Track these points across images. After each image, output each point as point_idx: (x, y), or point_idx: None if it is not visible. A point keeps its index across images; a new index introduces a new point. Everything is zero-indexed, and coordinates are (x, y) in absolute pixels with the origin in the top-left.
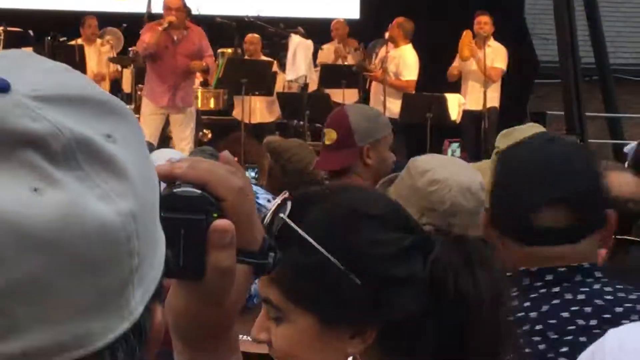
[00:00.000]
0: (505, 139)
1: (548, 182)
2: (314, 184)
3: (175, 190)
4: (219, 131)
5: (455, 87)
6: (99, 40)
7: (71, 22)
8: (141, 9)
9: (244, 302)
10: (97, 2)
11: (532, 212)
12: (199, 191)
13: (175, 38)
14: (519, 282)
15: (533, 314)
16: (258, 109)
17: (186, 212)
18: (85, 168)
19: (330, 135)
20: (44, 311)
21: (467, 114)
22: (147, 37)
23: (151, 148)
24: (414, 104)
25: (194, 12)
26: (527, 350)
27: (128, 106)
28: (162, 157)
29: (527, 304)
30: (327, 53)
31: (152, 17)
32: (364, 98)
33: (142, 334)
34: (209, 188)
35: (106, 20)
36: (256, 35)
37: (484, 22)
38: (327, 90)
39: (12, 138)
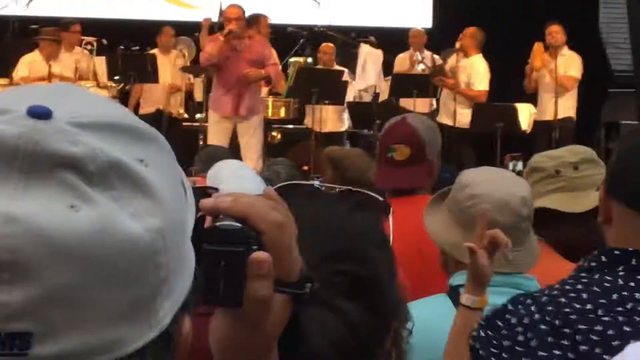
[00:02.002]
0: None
1: None
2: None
3: (217, 224)
4: (289, 140)
5: (526, 97)
6: (174, 52)
7: (146, 31)
8: (213, 17)
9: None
10: (170, 12)
11: None
12: (239, 225)
13: (237, 47)
14: (626, 261)
15: (637, 295)
16: (330, 118)
17: (227, 245)
18: (118, 188)
19: (402, 152)
20: (78, 318)
21: (538, 124)
22: (209, 47)
23: (223, 153)
24: (484, 113)
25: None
26: (626, 328)
27: (199, 115)
28: (225, 168)
29: (632, 283)
30: (403, 62)
31: (222, 26)
32: (436, 109)
33: (170, 342)
34: (249, 222)
35: (178, 29)
36: (330, 45)
37: (555, 31)
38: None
39: (53, 160)
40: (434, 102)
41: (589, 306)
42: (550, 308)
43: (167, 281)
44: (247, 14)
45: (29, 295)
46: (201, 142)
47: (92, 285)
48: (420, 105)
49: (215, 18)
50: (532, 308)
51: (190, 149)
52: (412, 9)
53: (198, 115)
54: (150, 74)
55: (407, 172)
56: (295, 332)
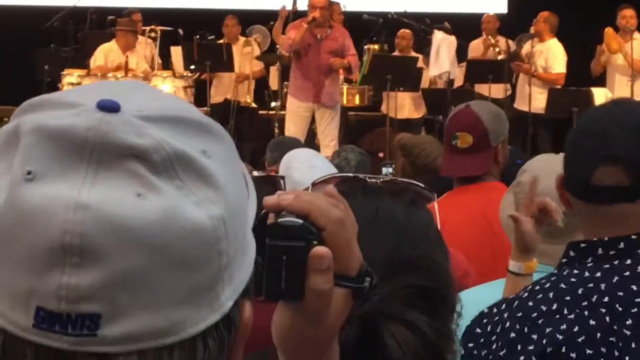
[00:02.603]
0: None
1: (605, 140)
2: (442, 179)
3: (279, 220)
4: (365, 127)
5: (599, 82)
6: (241, 40)
7: (221, 20)
8: (287, 7)
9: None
10: (245, 1)
11: (589, 170)
12: (300, 221)
13: (319, 36)
14: (593, 252)
15: (603, 285)
16: (407, 105)
17: (288, 240)
18: (182, 178)
19: (465, 139)
20: (143, 300)
21: None
22: (292, 33)
23: (298, 143)
24: (559, 98)
25: (341, 8)
26: (592, 322)
27: (274, 103)
28: (297, 158)
29: (598, 274)
30: (477, 47)
31: (297, 14)
32: (512, 94)
33: (231, 326)
34: (310, 218)
35: (254, 18)
36: (408, 31)
37: (629, 15)
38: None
39: (120, 150)
40: (509, 88)
41: (554, 306)
42: (519, 314)
43: (229, 267)
44: None
45: (97, 279)
46: (277, 131)
47: (157, 270)
48: (495, 90)
49: (289, 7)
50: (505, 315)
51: (266, 138)
52: None
53: (273, 104)
54: (225, 64)
55: (470, 159)
56: (378, 350)
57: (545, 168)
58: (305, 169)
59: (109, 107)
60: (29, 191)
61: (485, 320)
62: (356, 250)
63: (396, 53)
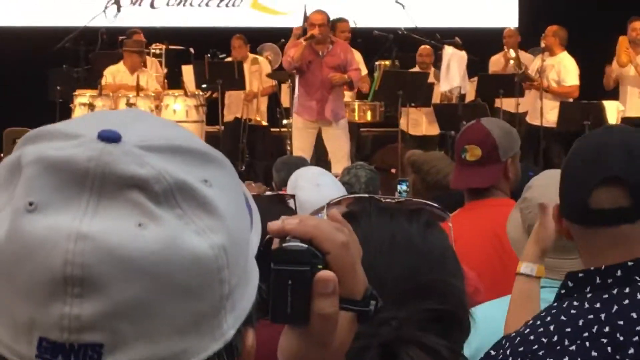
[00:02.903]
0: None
1: (601, 162)
2: (454, 195)
3: (284, 245)
4: (378, 143)
5: (612, 94)
6: (250, 57)
7: (231, 39)
8: (299, 23)
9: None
10: (256, 19)
11: (586, 193)
12: (305, 245)
13: (320, 52)
14: (591, 281)
15: (602, 315)
16: (423, 122)
17: (293, 264)
18: (183, 207)
19: (474, 152)
20: (146, 330)
21: (626, 121)
22: (292, 52)
23: (303, 162)
24: (571, 112)
25: (351, 25)
26: (594, 353)
27: (285, 121)
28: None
29: (597, 304)
30: (497, 62)
31: (307, 32)
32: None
33: (234, 355)
34: (315, 242)
35: (265, 35)
36: (428, 47)
37: (639, 27)
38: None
39: (121, 181)
40: (521, 102)
41: (555, 338)
42: (521, 349)
43: (231, 296)
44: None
45: (99, 309)
46: (289, 148)
47: (159, 299)
48: (507, 104)
49: (300, 23)
50: (508, 352)
51: (278, 155)
52: (497, 9)
53: (285, 122)
54: (237, 82)
55: (478, 172)
56: None
57: (552, 184)
58: (310, 187)
59: (110, 137)
60: (30, 222)
61: None
62: (361, 274)
63: (416, 69)
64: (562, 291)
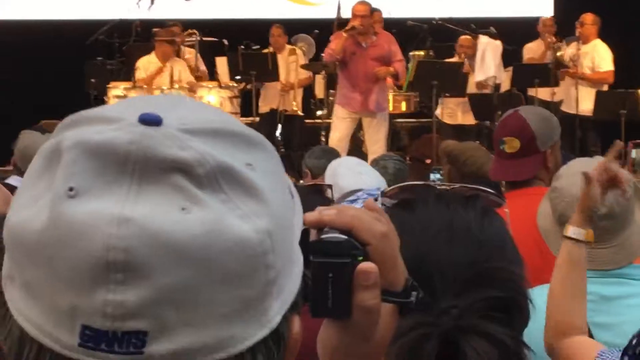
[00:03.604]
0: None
1: None
2: (491, 186)
3: (323, 237)
4: (412, 133)
5: None
6: (287, 47)
7: (266, 30)
8: (332, 14)
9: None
10: (289, 10)
11: None
12: (344, 237)
13: (363, 44)
14: None
15: None
16: (459, 111)
17: (333, 257)
18: (226, 191)
19: (512, 144)
20: (190, 316)
21: None
22: (333, 44)
23: (335, 154)
24: (607, 100)
25: (385, 15)
26: None
27: (320, 112)
28: (343, 165)
29: None
30: (534, 49)
31: (341, 23)
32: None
33: (280, 341)
34: (354, 233)
35: (298, 27)
36: (468, 37)
37: None
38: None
39: (163, 164)
40: (557, 91)
41: None
42: None
43: (276, 281)
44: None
45: (143, 295)
46: (323, 139)
47: (204, 285)
48: (542, 93)
49: (334, 15)
50: None
51: (312, 146)
52: None
53: (319, 112)
54: (271, 73)
55: (517, 164)
56: None
57: (580, 171)
58: (352, 175)
59: (151, 120)
60: (71, 207)
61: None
62: (400, 265)
63: (455, 59)
64: None
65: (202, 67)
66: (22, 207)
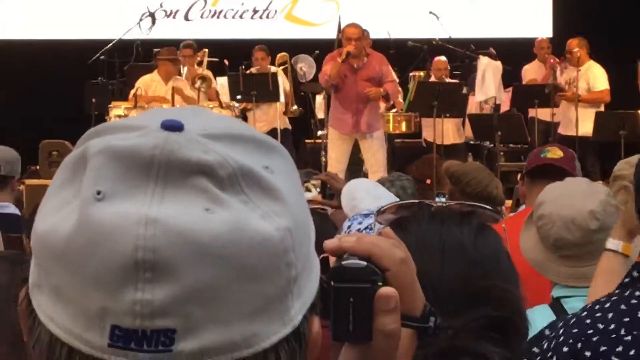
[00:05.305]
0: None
1: None
2: (495, 205)
3: (343, 263)
4: (412, 154)
5: None
6: (271, 69)
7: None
8: (332, 34)
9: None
10: (290, 30)
11: None
12: (364, 263)
13: (355, 66)
14: None
15: None
16: (450, 131)
17: (354, 282)
18: (247, 193)
19: (556, 152)
20: (217, 314)
21: None
22: (327, 68)
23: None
24: (606, 121)
25: (385, 36)
26: None
27: (320, 132)
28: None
29: None
30: (533, 71)
31: (342, 43)
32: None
33: (302, 340)
34: (373, 259)
35: (299, 47)
36: (443, 60)
37: None
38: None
39: (186, 167)
40: (556, 112)
41: (612, 326)
42: (575, 330)
43: (297, 281)
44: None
45: (170, 293)
46: (323, 159)
47: (229, 283)
48: (542, 114)
49: (334, 35)
50: (561, 331)
51: (313, 166)
52: (531, 19)
53: (320, 133)
54: (272, 93)
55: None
56: None
57: (564, 194)
58: (370, 199)
59: (174, 126)
60: (99, 210)
61: (543, 342)
62: (418, 290)
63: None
64: (626, 280)
65: (213, 84)
66: (49, 214)
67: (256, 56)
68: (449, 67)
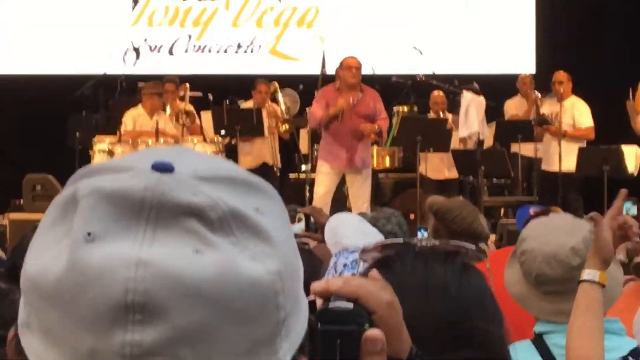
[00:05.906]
0: None
1: None
2: (479, 241)
3: (330, 306)
4: (396, 188)
5: (633, 138)
6: (269, 104)
7: (248, 85)
8: (316, 70)
9: None
10: (273, 65)
11: None
12: (351, 305)
13: (350, 100)
14: None
15: None
16: (444, 166)
17: (341, 324)
18: (237, 235)
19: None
20: (206, 355)
21: None
22: (318, 113)
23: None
24: (589, 157)
25: (368, 71)
26: None
27: (304, 166)
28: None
29: None
30: (515, 106)
31: (326, 78)
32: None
33: None
34: (360, 302)
35: (283, 82)
36: (440, 93)
37: None
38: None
39: (177, 209)
40: (539, 147)
41: None
42: None
43: (286, 322)
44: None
45: (160, 335)
46: (308, 194)
47: (218, 324)
48: (525, 149)
49: (318, 70)
50: None
51: (297, 201)
52: (514, 55)
53: (304, 167)
54: (255, 128)
55: None
56: None
57: (547, 231)
58: (357, 236)
59: (164, 167)
60: (89, 252)
61: None
62: (405, 333)
63: (431, 115)
64: None
65: (197, 120)
66: (39, 255)
67: (259, 89)
68: (446, 102)
